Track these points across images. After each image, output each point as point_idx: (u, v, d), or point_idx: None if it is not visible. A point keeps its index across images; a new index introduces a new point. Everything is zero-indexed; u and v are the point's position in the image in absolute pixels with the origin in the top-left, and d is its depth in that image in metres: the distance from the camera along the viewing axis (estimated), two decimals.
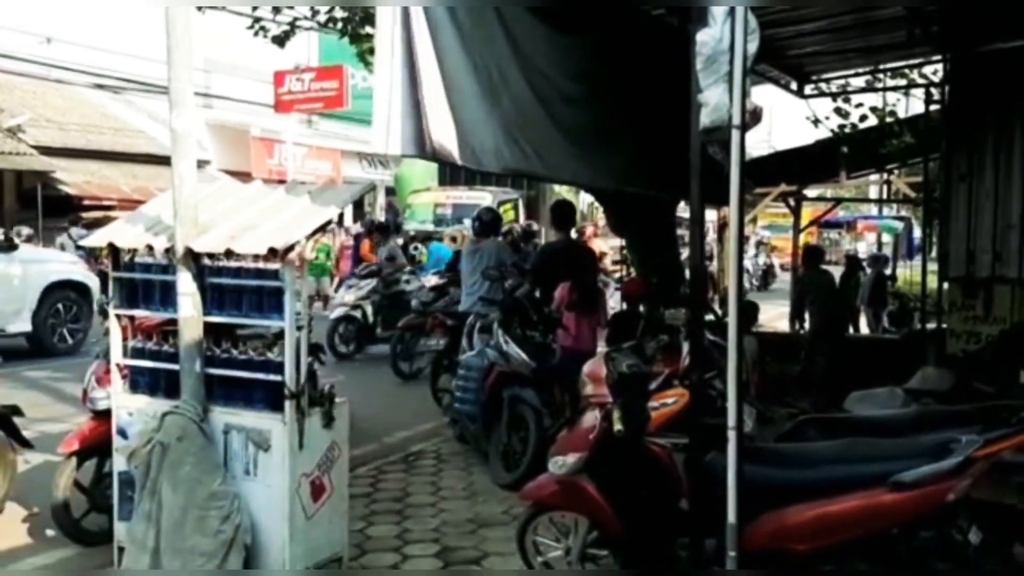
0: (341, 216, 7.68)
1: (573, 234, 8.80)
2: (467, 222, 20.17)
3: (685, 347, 5.80)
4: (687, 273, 8.27)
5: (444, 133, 5.39)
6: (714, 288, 15.51)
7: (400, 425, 8.98)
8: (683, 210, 13.53)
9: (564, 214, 7.80)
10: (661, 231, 8.84)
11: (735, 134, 4.07)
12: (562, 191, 23.14)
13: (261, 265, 5.20)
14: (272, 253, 5.02)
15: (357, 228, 21.01)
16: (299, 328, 5.13)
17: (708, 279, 14.25)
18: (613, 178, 6.64)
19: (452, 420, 7.89)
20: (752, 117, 4.13)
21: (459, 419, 7.59)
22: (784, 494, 4.26)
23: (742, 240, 4.65)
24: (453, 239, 18.85)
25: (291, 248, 5.05)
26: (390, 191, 28.97)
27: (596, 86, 6.63)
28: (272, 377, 5.14)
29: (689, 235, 4.92)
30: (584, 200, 26.01)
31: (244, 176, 20.13)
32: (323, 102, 22.28)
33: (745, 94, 4.08)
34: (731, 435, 4.14)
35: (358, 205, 25.70)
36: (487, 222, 8.96)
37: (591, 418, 5.00)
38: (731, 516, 4.15)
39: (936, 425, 4.68)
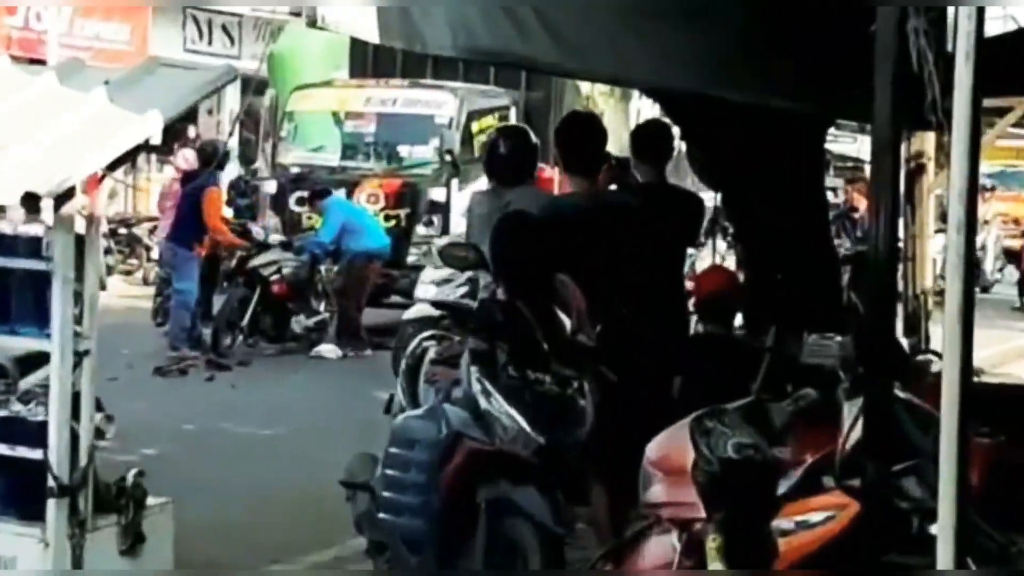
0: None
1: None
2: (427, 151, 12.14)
3: (848, 410, 3.80)
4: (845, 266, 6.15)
5: None
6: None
7: (279, 546, 6.20)
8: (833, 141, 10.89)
9: (590, 140, 4.95)
10: (794, 181, 6.22)
11: None
12: (595, 94, 14.09)
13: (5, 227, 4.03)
14: (32, 202, 3.45)
15: (186, 159, 11.90)
16: (80, 354, 3.52)
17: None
18: (705, 74, 4.22)
19: (374, 544, 5.28)
20: None
21: (388, 541, 5.04)
22: None
23: (975, 196, 2.91)
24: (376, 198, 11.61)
25: (69, 194, 3.46)
26: (254, 86, 14.93)
27: None
28: (22, 454, 3.60)
29: (871, 186, 3.27)
30: (641, 110, 15.19)
31: None
32: None
33: None
34: None
35: (189, 116, 14.66)
36: (508, 156, 4.76)
37: (661, 548, 3.67)
38: None
39: None
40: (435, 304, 5.70)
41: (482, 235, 4.76)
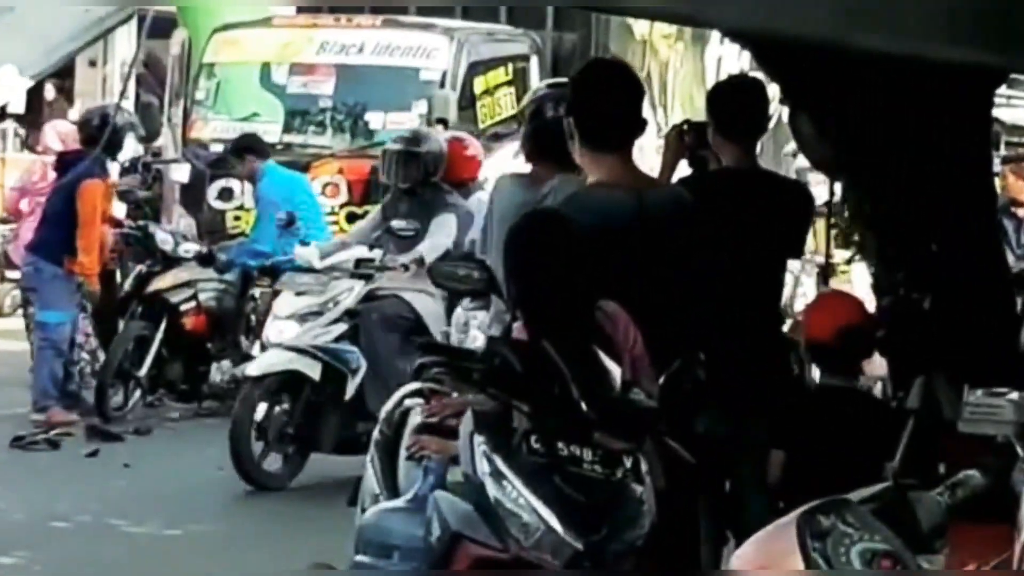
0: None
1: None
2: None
3: None
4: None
5: None
6: None
7: None
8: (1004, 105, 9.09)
9: (619, 97, 3.52)
10: (949, 165, 5.02)
11: None
12: (654, 37, 11.36)
13: None
14: None
15: (59, 136, 9.25)
16: None
17: None
18: (825, 10, 3.44)
19: None
20: None
21: None
22: None
23: None
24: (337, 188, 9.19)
25: None
26: (150, 24, 9.43)
27: None
28: None
29: None
30: (723, 59, 12.47)
31: None
32: None
33: None
34: None
35: (63, 72, 11.58)
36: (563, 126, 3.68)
37: None
38: None
39: None
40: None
41: (499, 232, 3.68)
